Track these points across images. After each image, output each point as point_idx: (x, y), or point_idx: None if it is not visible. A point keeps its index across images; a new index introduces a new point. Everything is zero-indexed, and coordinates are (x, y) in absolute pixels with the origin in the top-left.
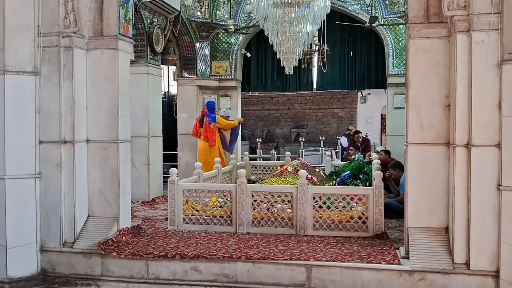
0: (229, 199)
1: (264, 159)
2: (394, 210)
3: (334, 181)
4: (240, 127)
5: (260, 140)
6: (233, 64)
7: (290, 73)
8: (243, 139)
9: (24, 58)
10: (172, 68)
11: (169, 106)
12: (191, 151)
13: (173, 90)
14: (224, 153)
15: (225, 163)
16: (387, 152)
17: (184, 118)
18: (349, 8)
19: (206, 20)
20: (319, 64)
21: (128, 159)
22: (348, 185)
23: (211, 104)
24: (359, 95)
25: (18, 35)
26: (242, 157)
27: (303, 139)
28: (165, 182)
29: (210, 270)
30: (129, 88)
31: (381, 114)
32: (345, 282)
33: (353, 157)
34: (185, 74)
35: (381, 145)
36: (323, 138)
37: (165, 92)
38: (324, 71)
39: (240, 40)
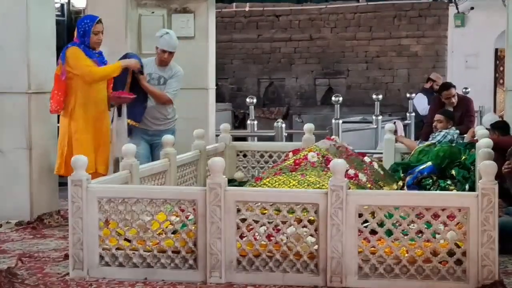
0: (191, 217)
1: (261, 138)
2: None
3: (401, 181)
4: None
5: (254, 101)
6: None
7: None
8: (220, 100)
9: None
10: None
11: (72, 31)
12: None
13: (79, 0)
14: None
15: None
16: (504, 125)
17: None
18: None
19: None
20: None
21: None
22: (429, 189)
23: (78, 23)
24: (452, 10)
25: None
26: (217, 135)
27: (340, 99)
28: (63, 184)
29: None
30: None
31: (496, 50)
32: None
33: (437, 136)
34: None
35: (494, 111)
36: (380, 97)
37: (62, 4)
38: None
39: None
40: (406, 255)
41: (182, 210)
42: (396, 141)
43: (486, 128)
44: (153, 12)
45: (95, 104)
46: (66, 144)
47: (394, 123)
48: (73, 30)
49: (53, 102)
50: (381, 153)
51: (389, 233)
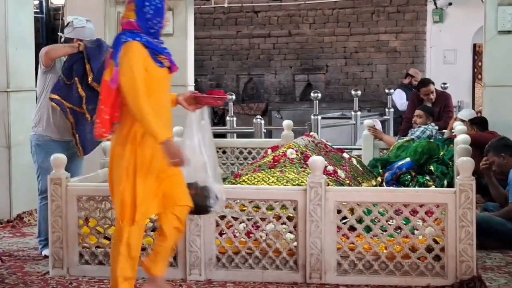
0: None
1: (240, 135)
2: (498, 233)
3: (380, 177)
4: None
5: (233, 97)
6: None
7: None
8: None
9: None
10: None
11: (50, 28)
12: None
13: None
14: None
15: None
16: (482, 121)
17: None
18: None
19: None
20: None
21: None
22: (408, 184)
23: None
24: (431, 6)
25: None
26: None
27: (319, 94)
28: None
29: None
30: None
31: (474, 45)
32: None
33: (416, 131)
34: None
35: (472, 107)
36: (359, 93)
37: (40, 1)
38: None
39: None
40: (385, 251)
41: None
42: (375, 137)
43: (461, 119)
44: None
45: (165, 125)
46: (130, 186)
47: (374, 126)
48: (52, 27)
49: (99, 123)
50: (360, 149)
51: (368, 229)
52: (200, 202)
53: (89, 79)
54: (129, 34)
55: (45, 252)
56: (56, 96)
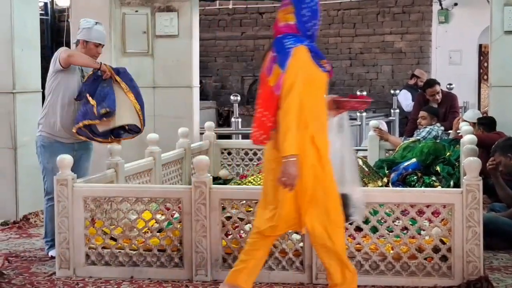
0: (176, 215)
1: (245, 136)
2: (504, 233)
3: (386, 178)
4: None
5: (238, 98)
6: None
7: None
8: (204, 98)
9: None
10: None
11: (55, 30)
12: None
13: None
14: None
15: None
16: (490, 122)
17: None
18: None
19: None
20: None
21: None
22: (414, 185)
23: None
24: (436, 6)
25: None
26: (202, 133)
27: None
28: None
29: None
30: None
31: (480, 45)
32: None
33: (421, 132)
34: None
35: (478, 108)
36: (364, 94)
37: (45, 3)
38: None
39: None
40: (392, 251)
41: (168, 209)
42: (381, 138)
43: (465, 120)
44: (136, 11)
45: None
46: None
47: (379, 122)
48: (57, 29)
49: (258, 128)
50: (366, 150)
51: (374, 230)
52: None
53: (131, 98)
54: (293, 38)
55: (52, 252)
56: (84, 123)
